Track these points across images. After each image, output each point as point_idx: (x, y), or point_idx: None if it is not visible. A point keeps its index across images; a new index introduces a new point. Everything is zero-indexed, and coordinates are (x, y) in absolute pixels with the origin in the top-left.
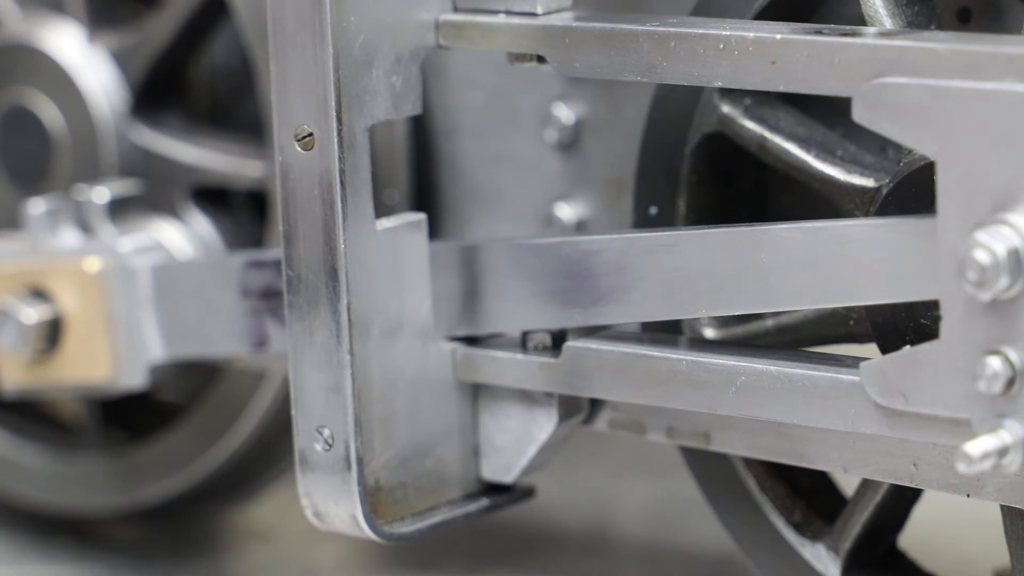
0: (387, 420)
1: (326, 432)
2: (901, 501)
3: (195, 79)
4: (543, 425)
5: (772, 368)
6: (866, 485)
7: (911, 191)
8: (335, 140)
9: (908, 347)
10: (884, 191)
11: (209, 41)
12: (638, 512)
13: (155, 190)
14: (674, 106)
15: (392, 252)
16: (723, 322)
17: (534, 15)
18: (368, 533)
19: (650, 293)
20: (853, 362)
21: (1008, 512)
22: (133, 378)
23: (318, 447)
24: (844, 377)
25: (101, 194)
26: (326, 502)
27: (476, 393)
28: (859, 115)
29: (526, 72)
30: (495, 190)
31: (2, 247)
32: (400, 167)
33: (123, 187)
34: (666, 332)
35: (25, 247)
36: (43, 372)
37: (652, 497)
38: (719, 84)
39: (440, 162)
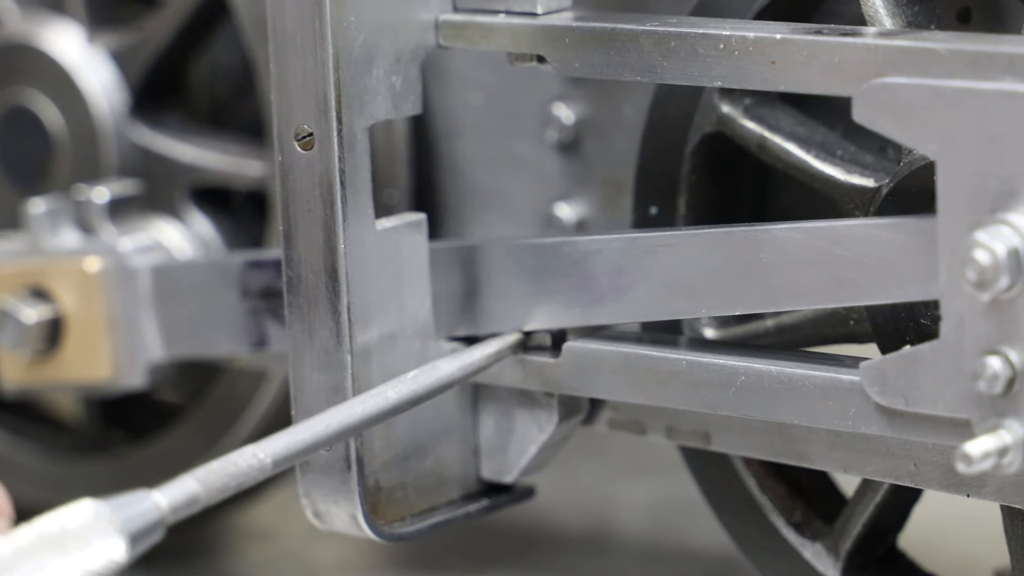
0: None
1: None
2: (901, 501)
3: (195, 79)
4: (543, 425)
5: (772, 368)
6: (866, 485)
7: (911, 191)
8: (335, 140)
9: (908, 347)
10: (884, 191)
11: (209, 41)
12: (638, 512)
13: (155, 190)
14: (674, 106)
15: (392, 252)
16: (723, 322)
17: (534, 15)
18: (368, 533)
19: (650, 293)
20: (853, 362)
21: (1008, 512)
22: (133, 378)
23: None
24: (844, 377)
25: (101, 194)
26: (326, 502)
27: (476, 393)
28: (859, 115)
29: (526, 72)
30: (495, 190)
31: (2, 247)
32: (400, 167)
33: (123, 187)
34: (666, 332)
35: (25, 247)
36: (43, 372)
37: (652, 497)
38: (719, 84)
39: (440, 162)
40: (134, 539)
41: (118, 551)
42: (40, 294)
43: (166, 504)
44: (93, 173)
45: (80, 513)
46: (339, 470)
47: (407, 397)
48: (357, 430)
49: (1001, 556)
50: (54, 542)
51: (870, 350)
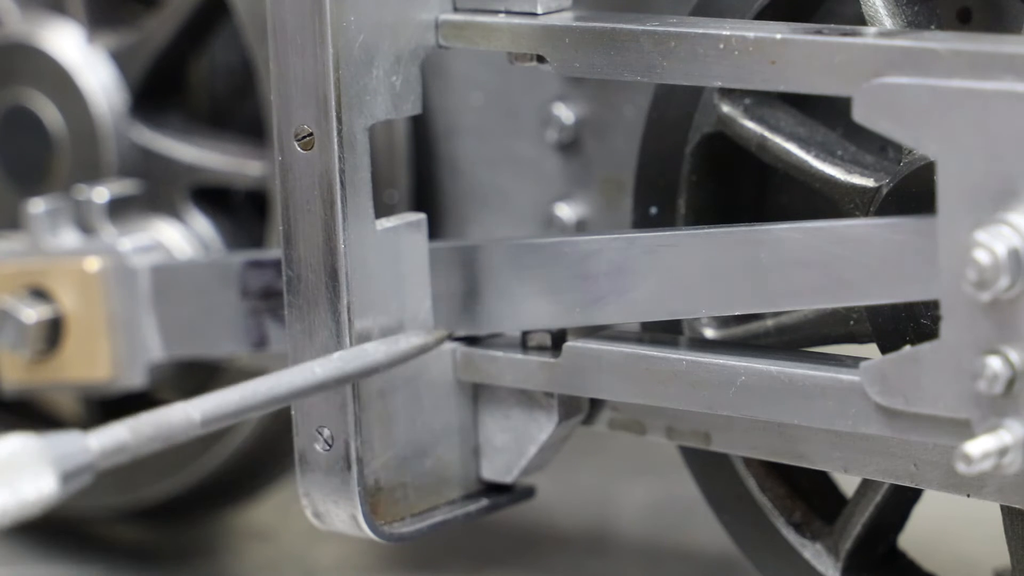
0: (387, 420)
1: (326, 432)
2: (901, 501)
3: (195, 79)
4: (543, 425)
5: (772, 368)
6: (866, 485)
7: (911, 191)
8: (335, 140)
9: (908, 347)
10: (884, 191)
11: (209, 41)
12: (638, 512)
13: (155, 190)
14: (674, 106)
15: (392, 252)
16: (723, 322)
17: (534, 15)
18: (368, 533)
19: (650, 293)
20: (853, 362)
21: (1008, 512)
22: (133, 378)
23: (318, 447)
24: (844, 377)
25: (101, 194)
26: (326, 502)
27: (476, 393)
28: (859, 115)
29: (526, 72)
30: (495, 190)
31: (2, 247)
32: (400, 167)
33: (123, 187)
34: (666, 332)
35: (25, 247)
36: (43, 372)
37: (652, 497)
38: (719, 84)
39: (440, 162)
40: (66, 477)
41: (50, 487)
42: (40, 294)
43: (97, 447)
44: (93, 173)
45: (12, 445)
46: (339, 470)
47: (333, 375)
48: (282, 401)
49: (1001, 556)
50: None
51: (870, 350)
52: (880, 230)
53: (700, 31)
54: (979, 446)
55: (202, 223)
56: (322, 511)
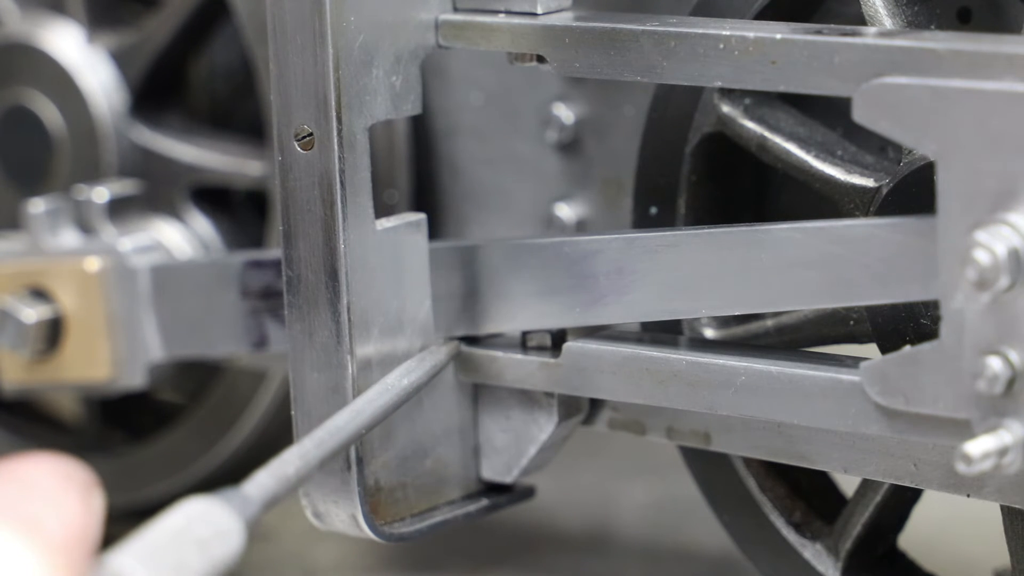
0: (386, 420)
1: None
2: (901, 501)
3: (195, 79)
4: (543, 425)
5: (772, 368)
6: (866, 485)
7: (911, 191)
8: (335, 140)
9: (908, 347)
10: (884, 191)
11: (209, 41)
12: (638, 512)
13: (155, 190)
14: (674, 106)
15: (392, 252)
16: (723, 322)
17: (534, 15)
18: (368, 533)
19: (650, 293)
20: (853, 362)
21: (1008, 512)
22: (133, 378)
23: None
24: (844, 377)
25: (101, 194)
26: (326, 502)
27: (476, 393)
28: (859, 115)
29: (526, 72)
30: (495, 190)
31: (2, 247)
32: (400, 167)
33: (123, 187)
34: (666, 332)
35: (25, 247)
36: (43, 372)
37: (652, 497)
38: (719, 84)
39: (440, 162)
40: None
41: (238, 541)
42: (40, 294)
43: (256, 495)
44: (93, 173)
45: (199, 507)
46: (339, 470)
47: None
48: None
49: (1001, 556)
50: (184, 535)
51: (870, 350)
52: (880, 230)
53: (700, 31)
54: (979, 446)
55: (202, 223)
56: (322, 511)
